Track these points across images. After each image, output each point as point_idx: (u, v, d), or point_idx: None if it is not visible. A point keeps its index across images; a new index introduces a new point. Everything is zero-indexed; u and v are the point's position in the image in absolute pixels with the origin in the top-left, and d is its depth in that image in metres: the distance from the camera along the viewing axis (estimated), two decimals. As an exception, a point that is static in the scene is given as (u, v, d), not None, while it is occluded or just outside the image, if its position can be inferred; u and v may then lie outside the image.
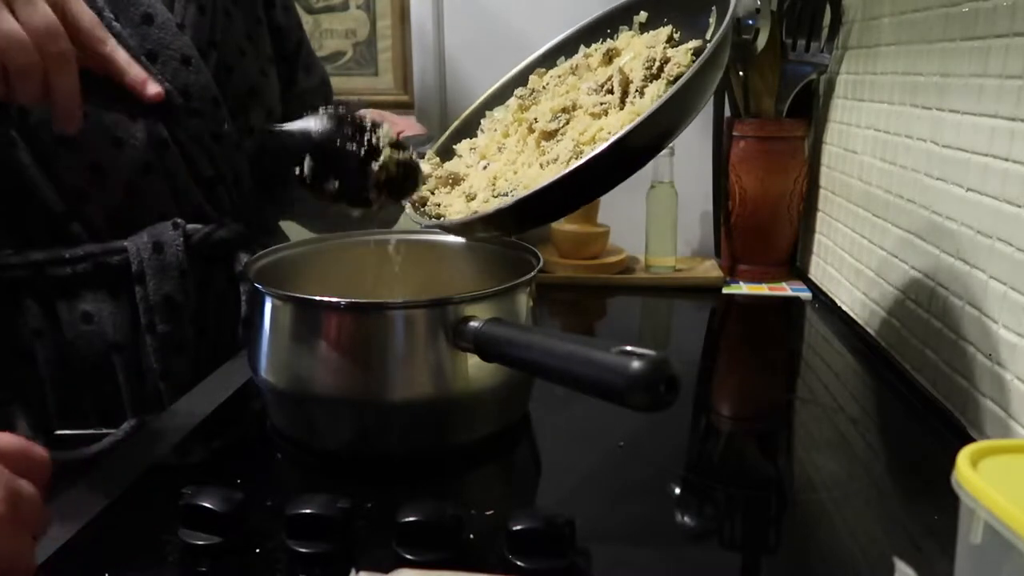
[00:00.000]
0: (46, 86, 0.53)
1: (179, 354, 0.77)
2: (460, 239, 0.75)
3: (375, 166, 0.61)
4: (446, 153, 0.77)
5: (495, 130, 0.74)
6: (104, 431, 0.76)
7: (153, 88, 0.58)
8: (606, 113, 0.66)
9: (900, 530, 0.53)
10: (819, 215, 1.09)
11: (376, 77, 1.91)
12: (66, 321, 0.76)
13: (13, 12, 0.51)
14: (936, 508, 0.53)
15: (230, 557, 0.48)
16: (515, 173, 0.67)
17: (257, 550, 0.48)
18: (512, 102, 0.75)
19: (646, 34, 0.72)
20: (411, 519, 0.47)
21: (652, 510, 0.56)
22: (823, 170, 1.08)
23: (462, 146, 0.76)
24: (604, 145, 0.57)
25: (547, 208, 0.63)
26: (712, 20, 0.67)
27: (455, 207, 0.69)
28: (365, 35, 1.91)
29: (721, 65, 0.62)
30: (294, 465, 0.63)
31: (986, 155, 0.64)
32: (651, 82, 0.65)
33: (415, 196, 0.71)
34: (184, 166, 0.80)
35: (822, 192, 1.08)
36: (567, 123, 0.68)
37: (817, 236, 1.10)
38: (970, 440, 0.64)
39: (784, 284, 1.10)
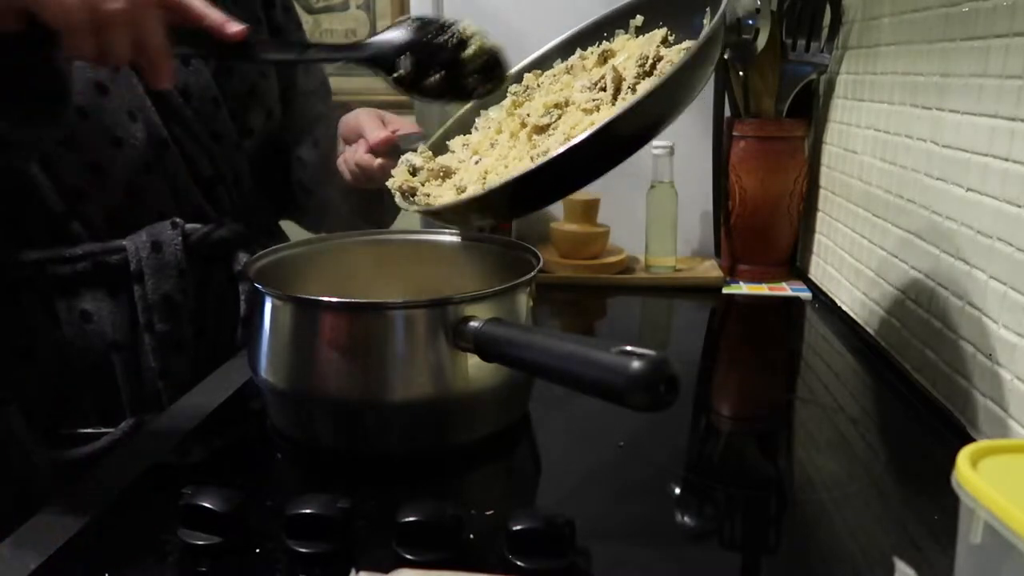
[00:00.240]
0: (135, 41, 0.52)
1: (178, 353, 0.77)
2: (460, 239, 0.75)
3: (468, 52, 0.65)
4: (440, 149, 0.77)
5: (489, 127, 0.74)
6: (103, 430, 0.77)
7: (234, 27, 0.57)
8: (598, 109, 0.66)
9: (900, 530, 0.53)
10: (819, 215, 1.09)
11: (376, 77, 1.91)
12: (65, 320, 0.76)
13: None
14: (936, 508, 0.53)
15: (230, 557, 0.48)
16: (506, 167, 0.67)
17: (257, 550, 0.48)
18: (506, 99, 0.75)
19: (641, 36, 0.72)
20: (411, 519, 0.47)
21: (652, 510, 0.56)
22: (823, 170, 1.08)
23: (455, 142, 0.76)
24: (591, 130, 0.56)
25: (536, 193, 0.63)
26: (706, 21, 0.67)
27: (445, 198, 0.68)
28: (365, 35, 1.91)
29: (711, 60, 0.62)
30: (294, 465, 0.63)
31: (986, 155, 0.64)
32: (643, 79, 0.65)
33: (405, 186, 0.71)
34: (184, 166, 0.80)
35: (822, 192, 1.08)
36: (559, 118, 0.68)
37: (817, 236, 1.10)
38: (970, 440, 0.64)
39: (784, 284, 1.10)
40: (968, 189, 0.67)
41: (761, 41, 1.04)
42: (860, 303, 0.92)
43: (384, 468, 0.60)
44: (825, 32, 1.04)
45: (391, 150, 0.86)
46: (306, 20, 1.18)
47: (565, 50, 0.77)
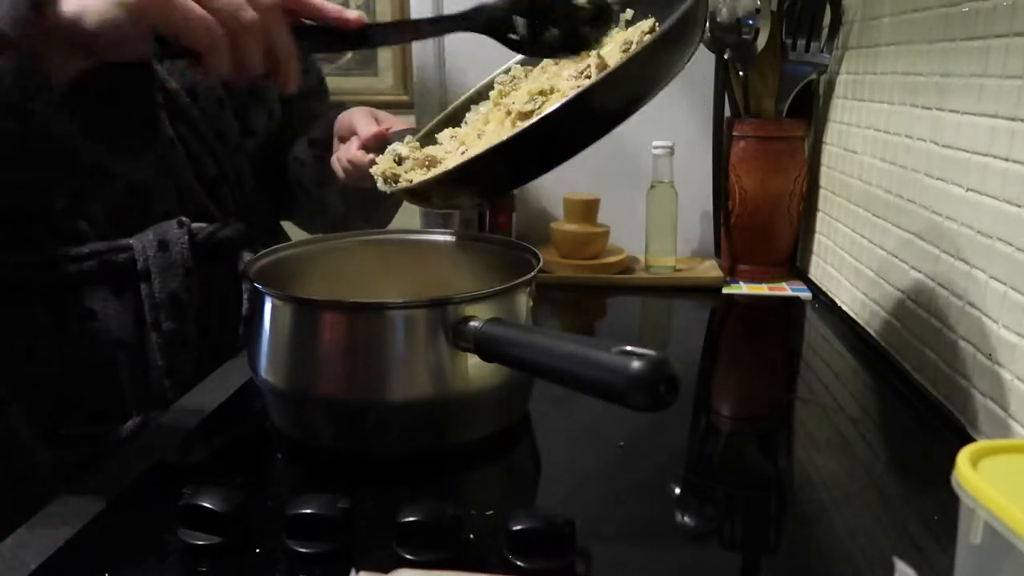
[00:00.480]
0: (268, 49, 0.53)
1: (183, 352, 0.78)
2: (460, 239, 0.75)
3: (581, 1, 0.63)
4: (428, 142, 0.77)
5: (477, 120, 0.74)
6: (107, 429, 0.77)
7: (352, 15, 0.57)
8: None
9: (900, 530, 0.53)
10: (819, 215, 1.09)
11: (376, 77, 1.91)
12: (70, 319, 0.76)
13: None
14: (936, 508, 0.53)
15: (230, 557, 0.48)
16: None
17: (257, 550, 0.48)
18: (493, 91, 0.75)
19: (629, 28, 0.72)
20: (411, 519, 0.47)
21: (652, 510, 0.56)
22: (823, 170, 1.08)
23: (443, 134, 0.76)
24: (566, 99, 0.56)
25: (513, 166, 0.62)
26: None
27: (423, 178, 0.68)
28: (365, 35, 1.91)
29: (690, 40, 0.62)
30: (294, 465, 0.63)
31: (986, 155, 0.64)
32: None
33: (388, 172, 0.71)
34: (189, 165, 0.81)
35: (822, 192, 1.08)
36: (542, 105, 0.68)
37: (817, 236, 1.10)
38: (970, 440, 0.64)
39: (784, 284, 1.10)
40: (968, 189, 0.67)
41: (761, 41, 1.04)
42: (860, 303, 0.92)
43: (384, 468, 0.60)
44: (825, 32, 1.04)
45: (382, 146, 0.86)
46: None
47: None
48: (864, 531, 0.53)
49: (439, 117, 0.79)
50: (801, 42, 1.05)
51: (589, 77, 0.66)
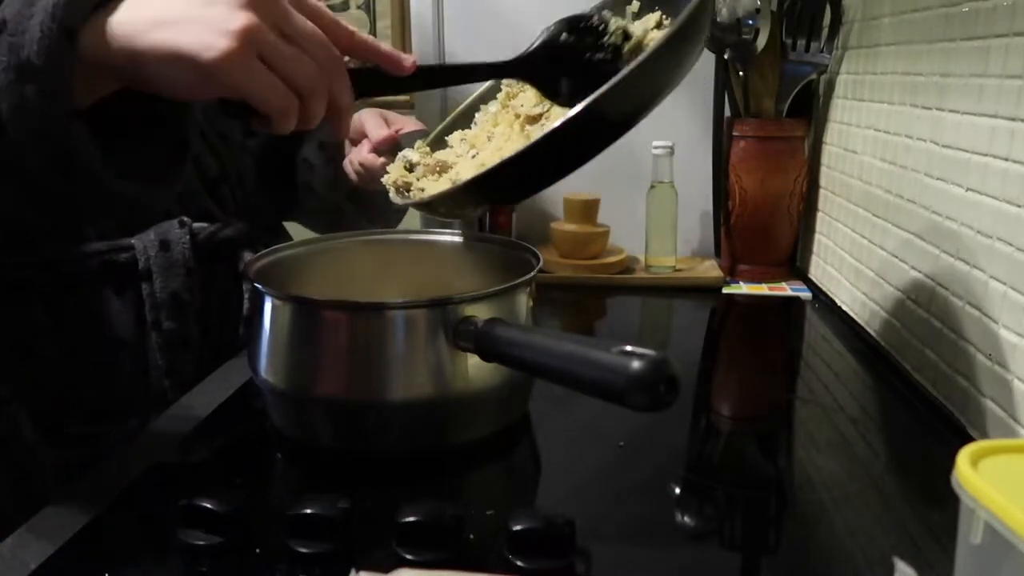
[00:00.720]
0: (329, 102, 0.52)
1: (184, 352, 0.78)
2: (460, 239, 0.75)
3: (626, 49, 0.63)
4: (438, 144, 0.77)
5: (487, 121, 0.74)
6: (108, 429, 0.77)
7: (409, 59, 0.56)
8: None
9: (900, 530, 0.53)
10: (819, 215, 1.09)
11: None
12: (72, 318, 0.76)
13: (280, 31, 0.49)
14: (936, 508, 0.53)
15: (230, 557, 0.48)
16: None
17: (257, 550, 0.48)
18: (501, 92, 0.75)
19: (636, 22, 0.72)
20: (411, 519, 0.47)
21: (652, 510, 0.56)
22: (823, 170, 1.08)
23: (453, 137, 0.76)
24: (575, 111, 0.56)
25: (523, 179, 0.62)
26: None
27: (436, 190, 0.68)
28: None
29: (695, 40, 0.61)
30: (294, 465, 0.63)
31: (986, 155, 0.64)
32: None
33: (400, 181, 0.71)
34: (191, 165, 0.81)
35: (822, 192, 1.08)
36: (551, 108, 0.68)
37: (817, 236, 1.10)
38: (970, 440, 0.64)
39: (784, 284, 1.10)
40: (968, 189, 0.67)
41: (761, 41, 1.04)
42: (860, 303, 0.92)
43: (384, 468, 0.60)
44: (825, 32, 1.04)
45: (394, 148, 0.86)
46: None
47: None
48: (864, 531, 0.53)
49: (449, 118, 0.79)
50: (801, 42, 1.05)
51: None
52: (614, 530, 0.53)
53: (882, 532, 0.53)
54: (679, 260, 1.14)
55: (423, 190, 0.69)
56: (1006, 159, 0.61)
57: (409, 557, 0.46)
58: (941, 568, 0.47)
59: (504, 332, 0.54)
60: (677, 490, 0.58)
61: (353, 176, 0.88)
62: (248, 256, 0.81)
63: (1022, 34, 0.60)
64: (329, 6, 1.91)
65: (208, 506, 0.48)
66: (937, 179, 0.73)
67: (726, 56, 1.07)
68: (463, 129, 0.77)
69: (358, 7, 1.90)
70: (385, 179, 0.72)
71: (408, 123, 0.86)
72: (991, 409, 0.63)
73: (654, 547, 0.52)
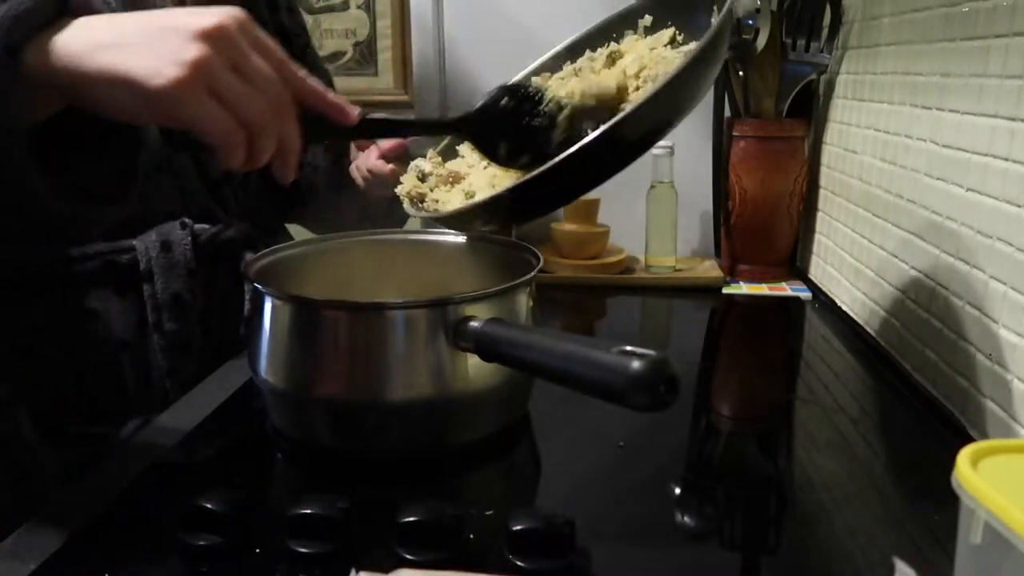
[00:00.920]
0: (278, 141, 0.52)
1: (185, 353, 0.78)
2: (460, 239, 0.75)
3: (557, 134, 0.65)
4: (449, 153, 0.77)
5: None
6: (107, 431, 0.77)
7: (353, 112, 0.57)
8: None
9: (900, 530, 0.53)
10: (819, 215, 1.09)
11: (376, 77, 1.91)
12: (73, 319, 0.76)
13: (233, 66, 0.49)
14: (936, 508, 0.53)
15: (230, 557, 0.48)
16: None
17: (257, 550, 0.48)
18: None
19: (649, 37, 0.72)
20: (411, 519, 0.47)
21: (652, 510, 0.56)
22: (823, 170, 1.08)
23: (465, 146, 0.76)
24: (595, 134, 0.56)
25: (541, 198, 0.63)
26: (714, 19, 0.67)
27: (453, 204, 0.69)
28: (365, 35, 1.91)
29: (715, 62, 0.62)
30: (294, 465, 0.63)
31: (986, 155, 0.64)
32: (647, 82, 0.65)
33: (414, 192, 0.71)
34: (192, 166, 0.81)
35: (822, 192, 1.08)
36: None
37: (817, 236, 1.10)
38: (970, 440, 0.64)
39: (784, 284, 1.10)
40: (968, 189, 0.67)
41: (761, 41, 1.04)
42: (860, 303, 0.92)
43: (384, 468, 0.60)
44: (825, 32, 1.04)
45: (402, 155, 0.86)
46: (306, 20, 1.18)
47: (574, 52, 0.77)
48: (864, 531, 0.53)
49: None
50: (801, 42, 1.05)
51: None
52: (614, 530, 0.53)
53: (882, 532, 0.53)
54: (679, 260, 1.14)
55: (437, 201, 0.69)
56: (1006, 159, 0.61)
57: (409, 557, 0.46)
58: (941, 568, 0.47)
59: (504, 332, 0.55)
60: (677, 490, 0.58)
61: (360, 182, 0.88)
62: (250, 257, 0.82)
63: (1022, 34, 0.60)
64: (329, 6, 1.92)
65: (208, 506, 0.48)
66: (937, 179, 0.73)
67: (726, 56, 1.07)
68: None
69: (358, 7, 1.90)
70: (399, 190, 0.72)
71: None
72: (991, 409, 0.63)
73: (654, 547, 0.52)
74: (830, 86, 1.06)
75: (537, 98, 0.65)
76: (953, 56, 0.70)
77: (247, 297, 0.83)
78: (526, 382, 0.65)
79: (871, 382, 0.80)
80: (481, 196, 0.66)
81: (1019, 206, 0.59)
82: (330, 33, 1.91)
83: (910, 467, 0.63)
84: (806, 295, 1.06)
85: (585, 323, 1.05)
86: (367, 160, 0.87)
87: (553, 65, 0.77)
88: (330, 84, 1.03)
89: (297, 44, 0.96)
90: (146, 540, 0.50)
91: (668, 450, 0.65)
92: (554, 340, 0.51)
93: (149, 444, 0.64)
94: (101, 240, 0.76)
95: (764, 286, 1.10)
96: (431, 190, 0.72)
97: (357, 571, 0.44)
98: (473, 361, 0.57)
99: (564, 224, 1.13)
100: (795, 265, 1.17)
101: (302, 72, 0.54)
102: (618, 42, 0.75)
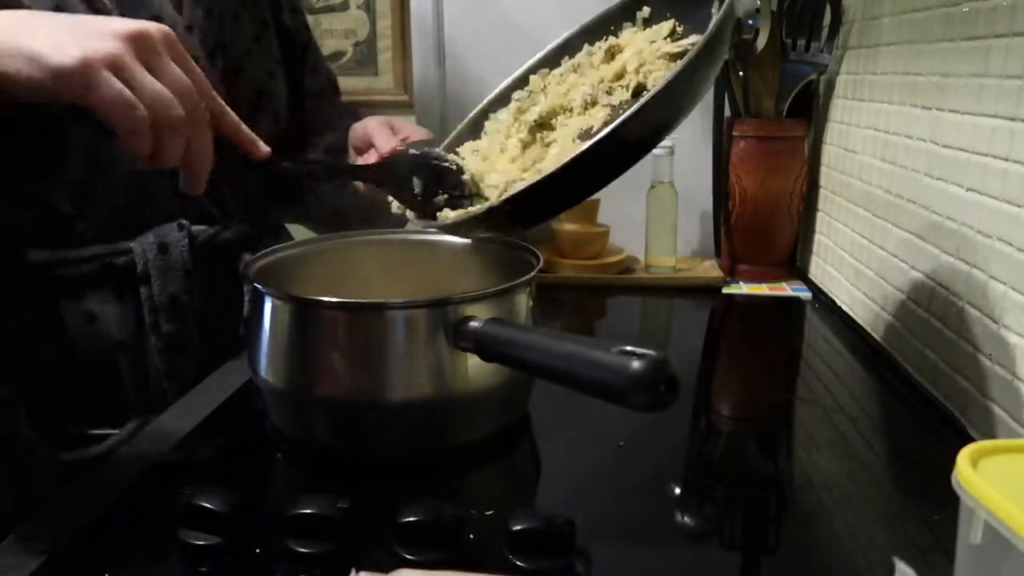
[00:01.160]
0: (188, 151, 0.53)
1: (183, 354, 0.77)
2: (460, 239, 0.75)
3: (465, 178, 0.69)
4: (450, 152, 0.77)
5: (498, 131, 0.74)
6: (107, 431, 0.77)
7: (264, 148, 0.59)
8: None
9: (900, 530, 0.53)
10: (819, 215, 1.09)
11: (376, 77, 1.91)
12: (70, 321, 0.76)
13: (151, 70, 0.50)
14: (936, 508, 0.53)
15: (230, 557, 0.48)
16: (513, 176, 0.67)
17: (257, 550, 0.48)
18: (512, 105, 0.75)
19: (648, 29, 0.72)
20: (411, 519, 0.47)
21: (652, 510, 0.56)
22: (823, 170, 1.08)
23: (465, 148, 0.76)
24: (597, 137, 0.56)
25: (543, 204, 0.63)
26: (715, 10, 0.67)
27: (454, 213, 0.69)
28: (365, 35, 1.91)
29: (716, 60, 0.62)
30: (294, 465, 0.63)
31: (986, 155, 0.64)
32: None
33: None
34: None
35: (822, 192, 1.08)
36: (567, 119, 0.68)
37: (817, 236, 1.10)
38: (970, 440, 0.64)
39: (784, 284, 1.10)
40: (968, 189, 0.67)
41: (761, 41, 1.04)
42: (860, 303, 0.92)
43: (384, 468, 0.60)
44: (825, 32, 1.04)
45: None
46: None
47: (571, 46, 0.76)
48: (864, 531, 0.53)
49: (458, 129, 0.79)
50: (801, 42, 1.05)
51: (610, 93, 0.67)
52: (614, 530, 0.53)
53: (882, 532, 0.53)
54: (679, 260, 1.14)
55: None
56: (1006, 159, 0.61)
57: (409, 557, 0.46)
58: (941, 568, 0.47)
59: (504, 332, 0.54)
60: (677, 490, 0.58)
61: (361, 186, 0.88)
62: (248, 257, 0.81)
63: (1022, 34, 0.60)
64: (329, 6, 1.92)
65: (208, 506, 0.48)
66: (937, 179, 0.73)
67: (726, 56, 1.07)
68: (473, 140, 0.77)
69: (358, 7, 1.90)
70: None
71: (415, 131, 0.86)
72: (991, 409, 0.63)
73: (654, 547, 0.52)
74: (830, 86, 1.06)
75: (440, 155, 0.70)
76: (953, 56, 0.70)
77: (246, 298, 0.83)
78: (526, 382, 0.65)
79: (871, 382, 0.80)
80: (479, 206, 0.66)
81: (1019, 206, 0.59)
82: (330, 33, 1.91)
83: (910, 467, 0.63)
84: (806, 295, 1.06)
85: (585, 323, 1.05)
86: (367, 163, 0.87)
87: (552, 60, 0.77)
88: (334, 85, 1.03)
89: (298, 44, 0.96)
90: (146, 540, 0.50)
91: (668, 450, 0.65)
92: (554, 340, 0.51)
93: (149, 444, 0.64)
94: (98, 242, 0.76)
95: (764, 286, 1.10)
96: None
97: (357, 571, 0.44)
98: (473, 361, 0.57)
99: (564, 224, 1.13)
100: (795, 265, 1.17)
101: (220, 100, 0.56)
102: (616, 35, 0.74)
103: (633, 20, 0.74)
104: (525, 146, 0.70)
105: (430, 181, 0.69)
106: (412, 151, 0.69)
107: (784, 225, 1.11)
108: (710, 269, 1.14)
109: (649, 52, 0.68)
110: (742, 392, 0.82)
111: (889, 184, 0.84)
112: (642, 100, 0.57)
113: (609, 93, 0.67)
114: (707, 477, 0.61)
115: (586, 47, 0.75)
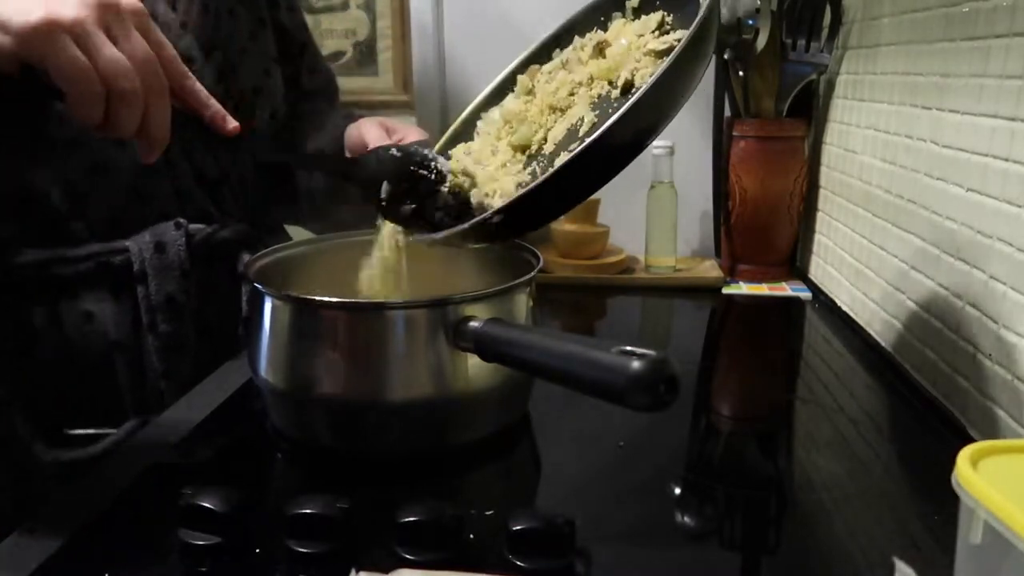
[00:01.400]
0: (144, 121, 0.53)
1: (180, 354, 0.77)
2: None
3: (443, 189, 0.64)
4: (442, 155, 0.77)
5: (489, 132, 0.74)
6: (105, 431, 0.77)
7: (232, 123, 0.58)
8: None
9: (900, 530, 0.53)
10: (819, 215, 1.09)
11: (376, 77, 1.91)
12: (67, 320, 0.76)
13: (113, 39, 0.51)
14: (936, 508, 0.53)
15: (230, 557, 0.48)
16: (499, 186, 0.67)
17: (257, 550, 0.48)
18: (505, 101, 0.75)
19: (637, 21, 0.71)
20: (411, 519, 0.47)
21: (652, 510, 0.56)
22: (823, 170, 1.08)
23: (457, 150, 0.75)
24: (588, 141, 0.56)
25: (533, 215, 0.62)
26: (703, 1, 0.66)
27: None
28: (365, 35, 1.91)
29: (704, 56, 0.61)
30: (294, 465, 0.63)
31: (986, 155, 0.64)
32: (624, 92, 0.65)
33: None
34: (189, 167, 0.80)
35: (822, 192, 1.08)
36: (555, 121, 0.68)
37: (817, 236, 1.10)
38: (970, 440, 0.64)
39: (784, 284, 1.10)
40: (968, 189, 0.67)
41: (761, 41, 1.04)
42: (860, 303, 0.92)
43: (384, 468, 0.60)
44: (825, 32, 1.04)
45: None
46: (306, 20, 1.18)
47: (562, 39, 0.76)
48: (864, 531, 0.53)
49: (449, 132, 0.78)
50: (801, 42, 1.05)
51: (602, 95, 0.66)
52: (614, 530, 0.53)
53: (882, 532, 0.53)
54: (679, 260, 1.14)
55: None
56: (1006, 159, 0.61)
57: (409, 557, 0.46)
58: (941, 568, 0.47)
59: (504, 332, 0.54)
60: (677, 490, 0.58)
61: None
62: (247, 257, 0.81)
63: (1022, 34, 0.60)
64: (329, 6, 1.91)
65: (208, 506, 0.48)
66: (937, 179, 0.73)
67: (726, 56, 1.07)
68: (466, 142, 0.76)
69: (358, 7, 1.90)
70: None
71: (410, 132, 0.86)
72: (991, 409, 0.63)
73: (654, 547, 0.52)
74: (830, 86, 1.06)
75: (425, 158, 0.65)
76: (953, 56, 0.70)
77: (244, 298, 0.83)
78: (526, 382, 0.65)
79: (871, 382, 0.80)
80: (468, 222, 0.65)
81: (1019, 206, 0.59)
82: (330, 33, 1.91)
83: (910, 467, 0.63)
84: (806, 295, 1.06)
85: (585, 323, 1.05)
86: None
87: (540, 57, 0.76)
88: (333, 86, 1.03)
89: (295, 42, 0.96)
90: (146, 540, 0.50)
91: (668, 450, 0.65)
92: (554, 340, 0.51)
93: (149, 444, 0.64)
94: (94, 241, 0.76)
95: (764, 286, 1.10)
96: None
97: (357, 571, 0.44)
98: (473, 361, 0.57)
99: (564, 224, 1.13)
100: (795, 265, 1.17)
101: (190, 75, 0.56)
102: (605, 28, 0.73)
103: (623, 10, 0.73)
104: (516, 149, 0.69)
105: (404, 186, 0.66)
106: (394, 151, 0.65)
107: (784, 225, 1.11)
108: (710, 269, 1.14)
109: (637, 45, 0.67)
110: (742, 392, 0.82)
111: (889, 184, 0.84)
112: (631, 100, 0.56)
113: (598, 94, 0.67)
114: (707, 477, 0.61)
115: (576, 39, 0.74)
